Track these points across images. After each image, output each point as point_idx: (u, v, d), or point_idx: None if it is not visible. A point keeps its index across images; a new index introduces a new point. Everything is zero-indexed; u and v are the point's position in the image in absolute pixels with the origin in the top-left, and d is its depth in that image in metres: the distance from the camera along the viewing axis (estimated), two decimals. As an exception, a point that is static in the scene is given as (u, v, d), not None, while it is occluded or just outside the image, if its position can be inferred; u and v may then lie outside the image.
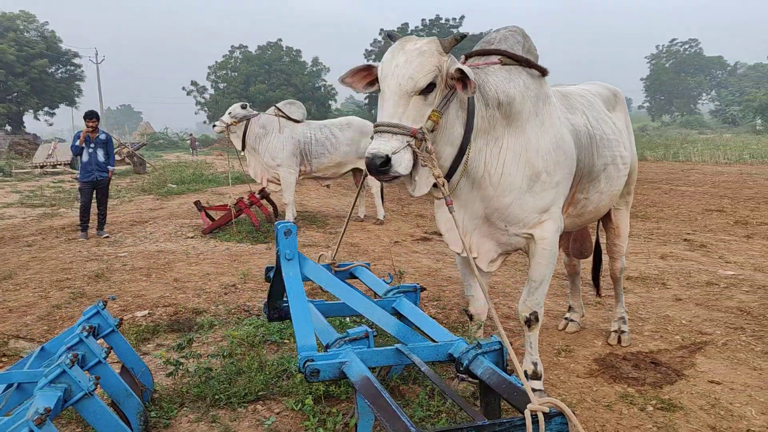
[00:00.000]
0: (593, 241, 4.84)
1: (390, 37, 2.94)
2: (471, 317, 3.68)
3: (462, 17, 56.84)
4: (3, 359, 4.39)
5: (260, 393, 3.57)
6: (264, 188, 10.26)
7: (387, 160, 2.64)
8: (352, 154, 10.12)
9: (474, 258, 3.33)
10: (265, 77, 53.89)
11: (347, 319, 4.74)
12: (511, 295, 6.02)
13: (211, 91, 55.99)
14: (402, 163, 2.66)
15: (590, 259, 4.97)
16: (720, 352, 4.39)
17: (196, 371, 3.59)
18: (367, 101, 59.60)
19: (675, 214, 10.97)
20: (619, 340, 4.58)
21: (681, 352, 4.41)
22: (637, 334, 4.76)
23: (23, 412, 2.40)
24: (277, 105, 10.20)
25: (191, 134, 55.51)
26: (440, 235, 9.65)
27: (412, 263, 7.48)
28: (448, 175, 3.02)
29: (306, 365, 2.62)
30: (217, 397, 3.51)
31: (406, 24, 58.13)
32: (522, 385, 2.51)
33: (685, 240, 8.41)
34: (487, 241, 3.34)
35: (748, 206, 11.44)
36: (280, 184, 10.09)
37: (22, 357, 4.41)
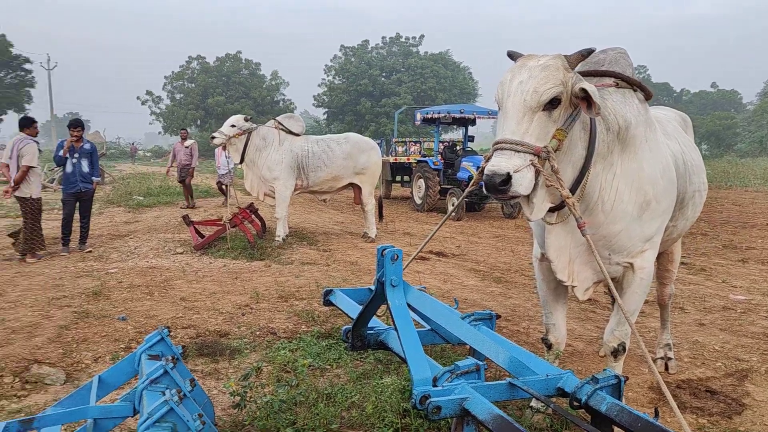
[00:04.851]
0: None
1: (510, 56, 2.82)
2: (549, 346, 3.56)
3: (422, 36, 57.52)
4: (26, 386, 4.02)
5: (331, 426, 3.35)
6: (252, 203, 9.97)
7: (507, 179, 2.50)
8: (349, 168, 9.94)
9: (573, 287, 3.21)
10: (223, 89, 53.10)
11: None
12: (536, 319, 5.93)
13: (167, 101, 54.86)
14: (523, 183, 2.53)
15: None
16: (766, 380, 4.39)
17: (267, 403, 3.34)
18: (325, 116, 59.42)
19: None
20: (666, 367, 4.53)
21: (729, 380, 4.39)
22: (678, 360, 4.73)
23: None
24: (276, 118, 9.98)
25: (133, 143, 57.55)
26: (438, 255, 9.50)
27: (422, 284, 7.33)
28: None
29: (426, 402, 2.45)
30: (285, 430, 3.27)
31: (366, 41, 58.39)
32: (657, 422, 2.40)
33: (683, 264, 8.53)
34: (585, 269, 3.21)
35: (727, 230, 11.76)
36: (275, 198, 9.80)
37: (46, 384, 4.09)
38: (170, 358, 2.70)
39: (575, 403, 2.65)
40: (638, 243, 3.15)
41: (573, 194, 2.88)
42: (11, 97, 43.51)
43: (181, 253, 8.86)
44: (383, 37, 58.11)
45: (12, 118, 48.98)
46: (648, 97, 3.21)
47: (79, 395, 2.93)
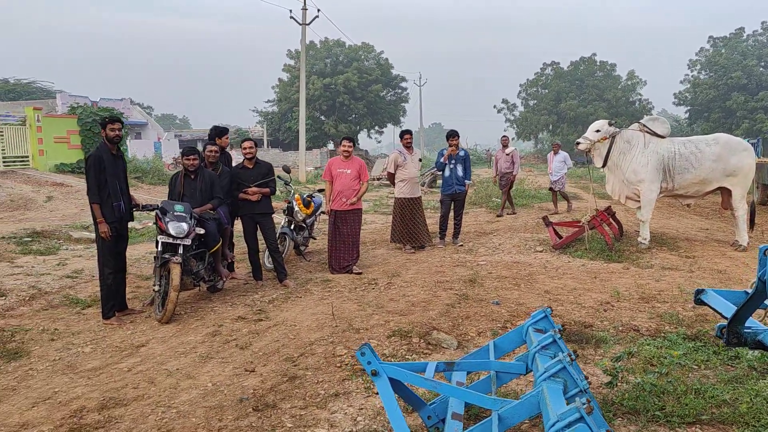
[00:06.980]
0: None
1: None
2: None
3: (816, 15, 48.71)
4: (429, 346, 5.02)
5: (701, 417, 3.48)
6: (610, 206, 10.07)
7: None
8: (718, 171, 9.30)
9: None
10: (576, 93, 53.04)
11: None
12: None
13: (521, 108, 57.10)
14: None
15: None
16: None
17: (639, 385, 3.65)
18: (687, 115, 54.69)
19: None
20: None
21: None
22: None
23: (531, 397, 2.70)
24: (641, 121, 9.93)
25: (488, 150, 62.46)
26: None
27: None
28: None
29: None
30: (654, 413, 3.53)
31: (741, 29, 51.91)
32: None
33: None
34: None
35: None
36: (638, 201, 9.72)
37: (443, 347, 5.03)
38: (556, 330, 3.21)
39: None
40: None
41: None
42: (391, 112, 50.52)
43: (541, 251, 9.48)
44: (763, 22, 50.95)
45: (390, 131, 56.95)
46: None
47: (479, 354, 3.66)
